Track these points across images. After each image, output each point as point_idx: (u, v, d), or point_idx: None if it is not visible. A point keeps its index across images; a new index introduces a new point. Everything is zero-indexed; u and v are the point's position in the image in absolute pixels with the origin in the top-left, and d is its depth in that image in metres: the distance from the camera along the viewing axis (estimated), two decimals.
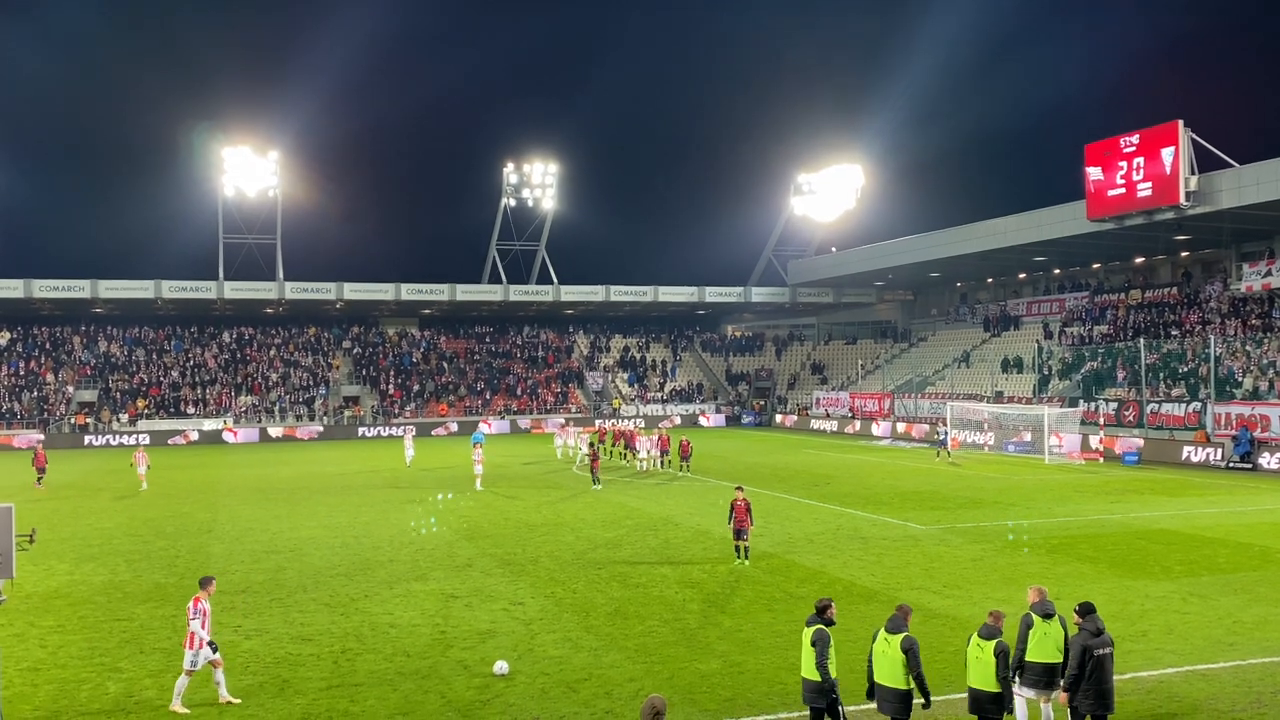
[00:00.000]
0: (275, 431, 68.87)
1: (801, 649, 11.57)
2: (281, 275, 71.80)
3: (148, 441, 60.74)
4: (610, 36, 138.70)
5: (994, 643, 11.32)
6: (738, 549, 22.79)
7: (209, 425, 68.07)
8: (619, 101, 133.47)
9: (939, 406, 58.54)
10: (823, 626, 11.55)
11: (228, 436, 67.00)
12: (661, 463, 44.22)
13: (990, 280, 76.22)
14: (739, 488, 23.67)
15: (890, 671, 11.24)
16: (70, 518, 31.39)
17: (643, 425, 66.53)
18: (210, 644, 13.65)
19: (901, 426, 62.08)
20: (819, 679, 11.29)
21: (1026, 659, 11.83)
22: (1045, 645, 11.77)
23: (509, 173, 79.19)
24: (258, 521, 29.98)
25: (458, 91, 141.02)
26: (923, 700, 11.22)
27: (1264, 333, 49.79)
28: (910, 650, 11.14)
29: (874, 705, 11.69)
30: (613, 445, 50.65)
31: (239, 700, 13.72)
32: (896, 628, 11.39)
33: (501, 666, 14.71)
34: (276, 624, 17.76)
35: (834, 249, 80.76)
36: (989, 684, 11.28)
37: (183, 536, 27.44)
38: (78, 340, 76.03)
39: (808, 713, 11.65)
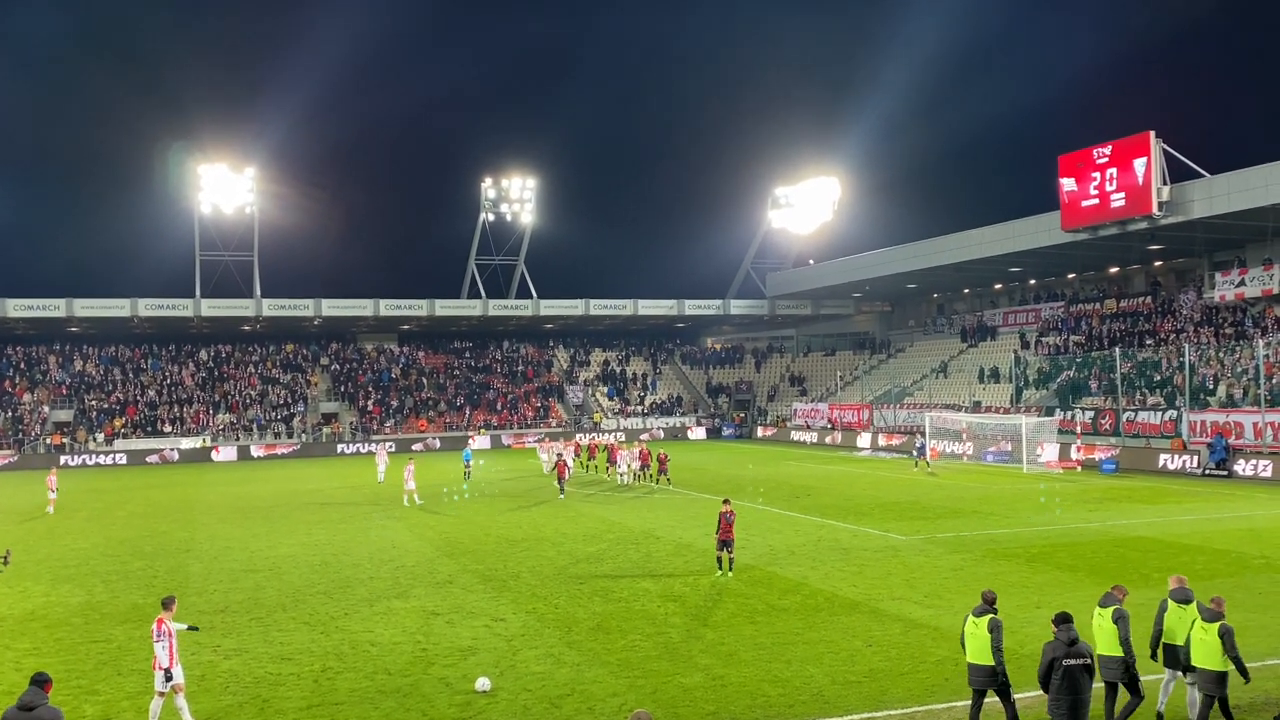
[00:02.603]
0: (256, 450, 68.36)
1: (968, 636, 12.21)
2: (259, 292, 71.42)
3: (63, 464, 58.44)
4: (586, 52, 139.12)
5: (1111, 609, 12.33)
6: (720, 560, 22.79)
7: (187, 444, 67.57)
8: (596, 116, 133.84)
9: (917, 417, 58.77)
10: (995, 615, 12.18)
11: (215, 455, 66.45)
12: (641, 476, 44.20)
13: (967, 291, 76.69)
14: (726, 500, 23.71)
15: (978, 649, 12.08)
16: (46, 538, 31.05)
17: (623, 439, 66.59)
18: (167, 671, 13.25)
19: (882, 439, 62.27)
20: (992, 664, 11.96)
21: (1164, 641, 12.73)
22: (1179, 630, 12.52)
23: (487, 188, 79.16)
24: (236, 540, 29.75)
25: (435, 107, 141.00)
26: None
27: (1237, 341, 50.25)
28: (995, 630, 12.05)
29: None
30: (589, 459, 50.60)
31: None
32: (982, 612, 12.24)
33: (484, 683, 14.63)
34: (256, 643, 17.61)
35: (812, 261, 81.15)
36: (1113, 649, 12.20)
37: (160, 556, 27.18)
38: (53, 359, 75.35)
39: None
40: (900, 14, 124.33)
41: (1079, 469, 46.00)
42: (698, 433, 79.14)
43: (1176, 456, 44.22)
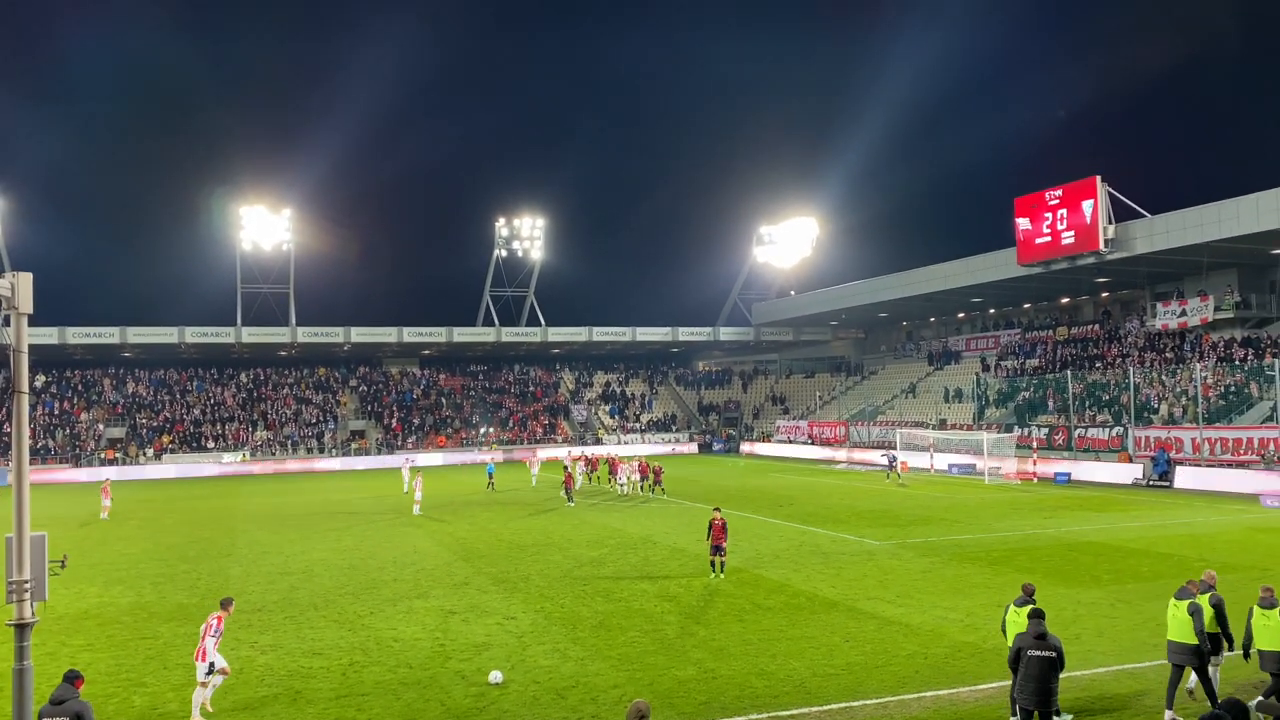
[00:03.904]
0: (291, 465, 68.18)
1: (1010, 624, 12.68)
2: (294, 321, 71.38)
3: (114, 476, 57.78)
4: (590, 105, 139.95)
5: (1187, 603, 12.55)
6: (713, 564, 22.69)
7: (228, 459, 67.39)
8: (599, 162, 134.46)
9: (889, 433, 58.67)
10: (1036, 605, 12.34)
11: (220, 467, 66.09)
12: (641, 487, 44.02)
13: (933, 319, 76.74)
14: (716, 509, 23.63)
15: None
16: (99, 544, 30.89)
17: (623, 454, 66.33)
18: (211, 664, 13.29)
19: (857, 454, 62.13)
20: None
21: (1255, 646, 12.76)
22: (1266, 634, 12.44)
23: (500, 226, 79.27)
24: (273, 545, 29.61)
25: (454, 154, 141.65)
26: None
27: (1177, 365, 50.28)
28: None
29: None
30: (593, 471, 50.27)
31: (212, 709, 13.43)
32: (1023, 602, 12.73)
33: (496, 676, 14.54)
34: (289, 639, 17.50)
35: (793, 293, 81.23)
36: (1188, 638, 12.43)
37: (204, 560, 27.05)
38: (107, 382, 75.19)
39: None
40: (872, 73, 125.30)
41: (1035, 480, 45.90)
42: (688, 447, 78.98)
43: (1123, 469, 44.13)
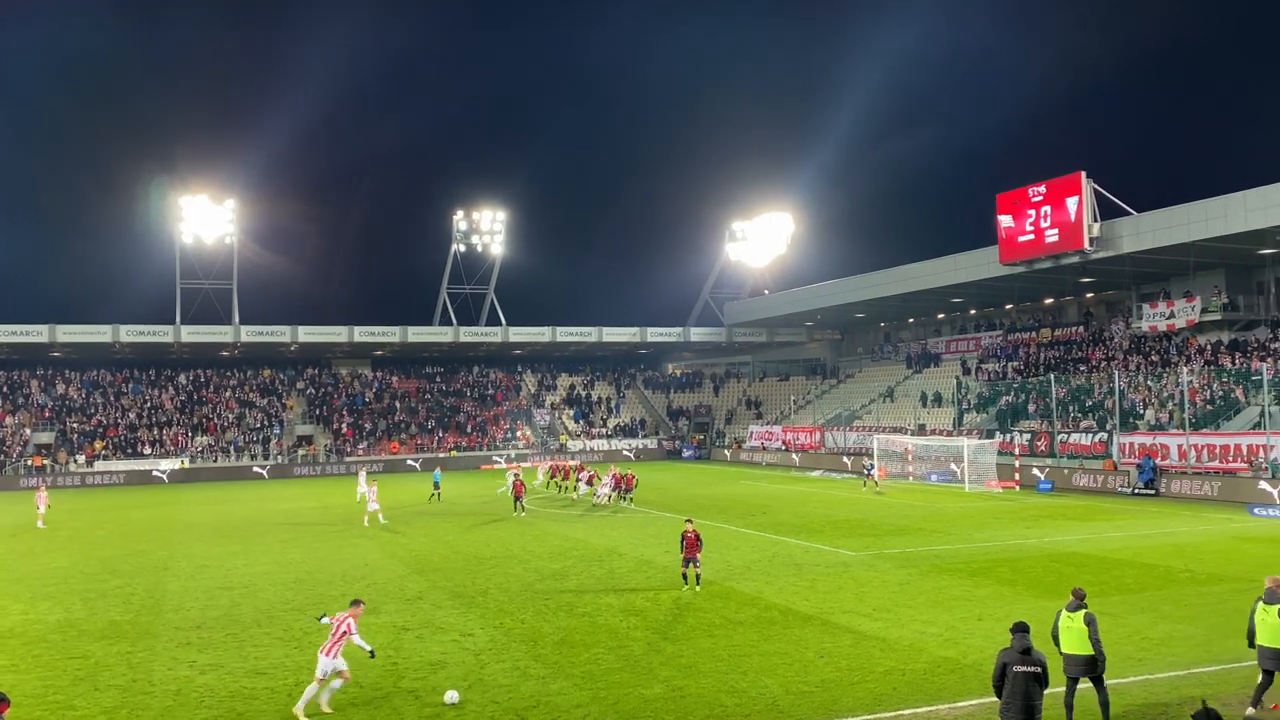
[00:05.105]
0: (234, 472, 67.44)
1: (1063, 631, 12.98)
2: (237, 319, 70.65)
3: (50, 482, 57.43)
4: (554, 92, 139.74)
5: (1276, 606, 12.93)
6: (685, 575, 22.76)
7: (166, 466, 66.55)
8: (564, 153, 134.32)
9: (865, 439, 59.07)
10: (1089, 610, 12.94)
11: (158, 475, 65.25)
12: (610, 498, 43.23)
13: (912, 320, 77.40)
14: (689, 520, 23.69)
15: (1075, 641, 12.88)
16: (25, 556, 30.38)
17: (592, 461, 66.27)
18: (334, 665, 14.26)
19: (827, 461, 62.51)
20: (1092, 653, 12.74)
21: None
22: (1266, 630, 13.07)
23: (459, 220, 78.94)
24: (213, 558, 29.26)
25: (409, 143, 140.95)
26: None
27: (1163, 368, 51.08)
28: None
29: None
30: (563, 480, 49.89)
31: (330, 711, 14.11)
32: (1075, 608, 13.06)
33: (452, 696, 14.47)
34: (231, 658, 17.30)
35: (767, 291, 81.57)
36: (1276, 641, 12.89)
37: (139, 574, 26.67)
38: (35, 384, 73.99)
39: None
40: (849, 63, 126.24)
41: (1017, 488, 46.43)
42: (658, 454, 79.08)
43: (1107, 476, 44.76)
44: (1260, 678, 13.20)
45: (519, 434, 78.81)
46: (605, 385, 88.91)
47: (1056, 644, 13.09)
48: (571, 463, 54.40)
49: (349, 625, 14.38)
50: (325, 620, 15.22)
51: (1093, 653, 12.70)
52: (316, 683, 14.08)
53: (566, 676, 15.76)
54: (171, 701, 14.70)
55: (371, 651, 14.76)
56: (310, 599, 22.44)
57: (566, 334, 77.89)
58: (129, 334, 66.85)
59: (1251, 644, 13.53)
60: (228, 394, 77.26)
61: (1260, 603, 13.19)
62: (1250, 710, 12.90)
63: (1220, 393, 45.74)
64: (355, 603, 15.19)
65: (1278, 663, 12.92)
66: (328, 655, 14.06)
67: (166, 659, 17.33)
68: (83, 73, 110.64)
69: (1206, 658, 16.07)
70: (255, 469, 68.05)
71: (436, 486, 45.70)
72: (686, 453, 79.29)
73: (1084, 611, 12.84)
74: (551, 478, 50.24)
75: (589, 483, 46.21)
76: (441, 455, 71.65)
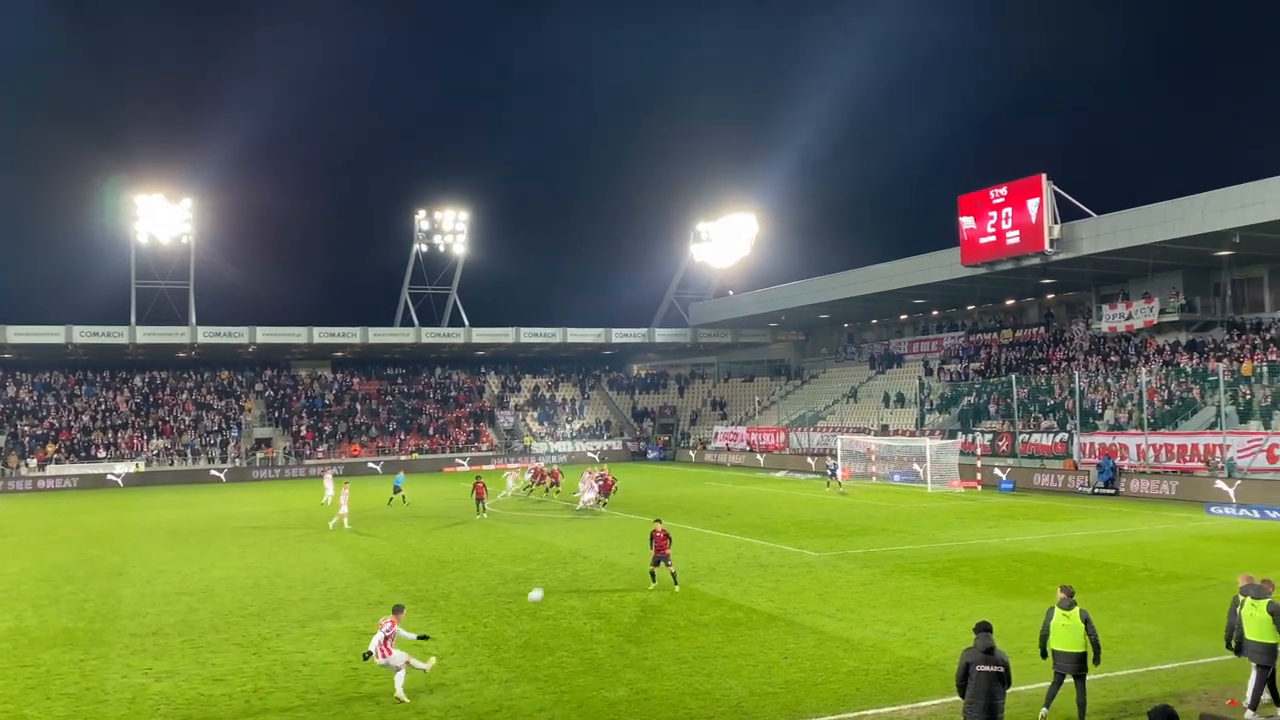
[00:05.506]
0: (186, 473, 66.52)
1: (1057, 628, 13.17)
2: (194, 320, 69.70)
3: None
4: (518, 90, 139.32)
5: (1265, 602, 13.18)
6: (652, 575, 22.85)
7: (120, 469, 65.53)
8: (527, 152, 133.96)
9: (829, 439, 59.41)
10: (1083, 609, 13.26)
11: (112, 479, 64.31)
12: (599, 502, 41.98)
13: (875, 321, 77.96)
14: (658, 520, 23.73)
15: (1071, 639, 13.11)
16: None
17: (563, 463, 65.95)
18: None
19: (792, 462, 62.78)
20: (1084, 650, 13.05)
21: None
22: (1254, 625, 13.33)
23: (420, 219, 78.44)
24: (169, 563, 28.84)
25: (370, 141, 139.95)
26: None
27: (1122, 369, 51.83)
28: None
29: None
30: (540, 483, 49.34)
31: (407, 700, 14.62)
32: (1069, 605, 13.27)
33: (536, 594, 17.35)
34: (188, 665, 17.06)
35: (731, 292, 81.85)
36: (1267, 637, 13.12)
37: (92, 580, 26.24)
38: None
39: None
40: (810, 65, 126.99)
41: (979, 488, 46.90)
42: (623, 455, 79.02)
43: (1068, 476, 45.34)
44: (1254, 673, 13.38)
45: (482, 436, 78.49)
46: (570, 387, 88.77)
47: (1044, 642, 13.29)
48: (546, 466, 53.72)
49: (386, 626, 15.04)
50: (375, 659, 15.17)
51: (1084, 649, 12.99)
52: (403, 669, 14.90)
53: (530, 680, 15.69)
54: (126, 710, 14.47)
55: (404, 660, 15.14)
56: (269, 604, 22.18)
57: (530, 335, 77.66)
58: (82, 335, 65.77)
59: (1229, 643, 13.74)
60: (184, 396, 76.22)
61: (1248, 599, 13.41)
62: (1249, 714, 13.11)
63: (1178, 393, 46.49)
64: (397, 609, 15.79)
65: (1269, 656, 13.15)
66: (385, 655, 14.83)
67: (120, 666, 17.05)
68: (30, 66, 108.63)
69: (1165, 655, 16.32)
70: (213, 472, 67.29)
71: (397, 490, 45.04)
72: (651, 454, 79.33)
73: (1079, 609, 13.18)
74: (539, 483, 49.25)
75: (554, 483, 46.08)
76: (403, 458, 71.21)
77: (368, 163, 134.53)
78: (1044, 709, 13.13)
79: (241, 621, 20.46)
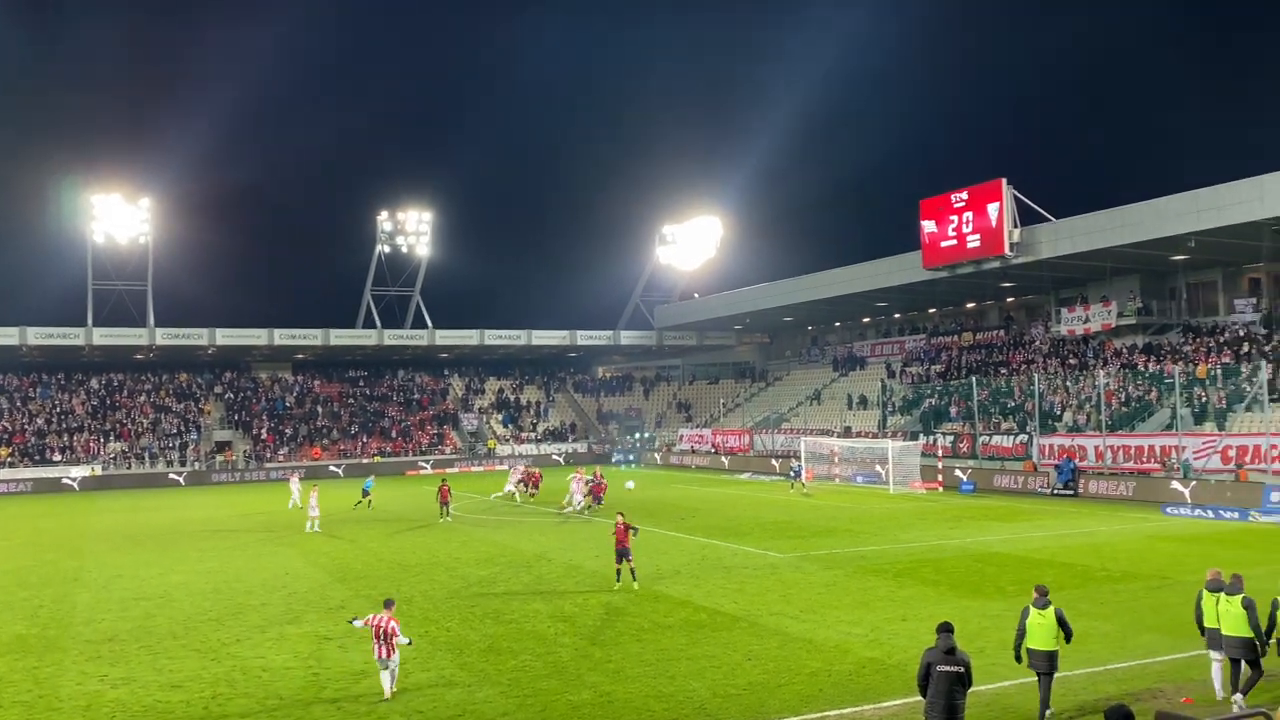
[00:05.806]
0: (144, 477, 65.60)
1: (1033, 626, 13.32)
2: (152, 321, 68.73)
3: None
4: (482, 91, 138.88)
5: (1239, 597, 13.54)
6: (618, 572, 22.90)
7: (76, 472, 64.49)
8: (492, 153, 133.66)
9: (793, 441, 59.70)
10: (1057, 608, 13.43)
11: (68, 482, 63.29)
12: (588, 506, 41.52)
13: (838, 324, 78.49)
14: (620, 514, 23.76)
15: (1045, 637, 13.29)
16: None
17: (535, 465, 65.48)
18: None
19: (757, 464, 62.99)
20: (1056, 648, 13.27)
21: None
22: (1230, 620, 13.65)
23: (383, 220, 77.89)
24: (126, 568, 28.44)
25: (332, 141, 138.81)
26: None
27: (1080, 371, 52.54)
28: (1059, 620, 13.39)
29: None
30: (531, 486, 48.84)
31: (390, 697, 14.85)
32: (1044, 604, 13.43)
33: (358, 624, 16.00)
34: (145, 672, 16.83)
35: (697, 295, 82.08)
36: (1243, 631, 13.47)
37: (47, 586, 25.81)
38: None
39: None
40: (775, 69, 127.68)
41: (941, 489, 47.32)
42: (587, 458, 78.81)
43: (1028, 477, 45.86)
44: (1231, 668, 13.76)
45: (446, 439, 78.06)
46: (534, 389, 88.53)
47: (1019, 642, 13.46)
48: (528, 468, 53.05)
49: (393, 627, 15.04)
50: (358, 624, 15.68)
51: (1056, 648, 13.20)
52: (389, 672, 15.06)
53: (493, 684, 15.64)
54: (81, 718, 14.26)
55: (409, 641, 15.49)
56: (228, 609, 21.94)
57: (495, 336, 77.36)
58: (37, 336, 64.65)
59: (1203, 633, 14.15)
60: (142, 398, 75.17)
61: (1222, 595, 13.75)
62: (1237, 697, 13.53)
63: (1135, 395, 47.20)
64: (387, 603, 15.78)
65: (1245, 650, 13.50)
66: (387, 656, 14.94)
67: (75, 673, 16.79)
68: None
69: (1121, 654, 16.57)
70: (171, 476, 66.43)
71: (366, 493, 44.53)
72: (616, 457, 79.28)
73: (1053, 608, 13.33)
74: (526, 487, 48.60)
75: (535, 486, 46.09)
76: (365, 461, 70.67)
77: (330, 163, 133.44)
78: (1048, 710, 13.17)
79: (200, 627, 20.22)
